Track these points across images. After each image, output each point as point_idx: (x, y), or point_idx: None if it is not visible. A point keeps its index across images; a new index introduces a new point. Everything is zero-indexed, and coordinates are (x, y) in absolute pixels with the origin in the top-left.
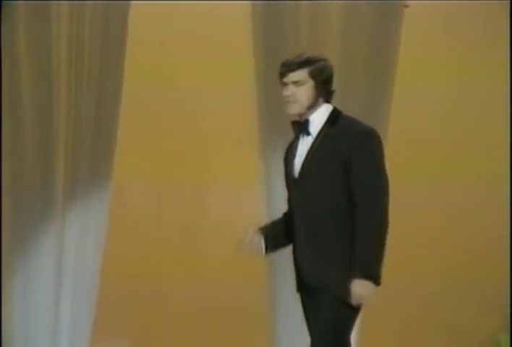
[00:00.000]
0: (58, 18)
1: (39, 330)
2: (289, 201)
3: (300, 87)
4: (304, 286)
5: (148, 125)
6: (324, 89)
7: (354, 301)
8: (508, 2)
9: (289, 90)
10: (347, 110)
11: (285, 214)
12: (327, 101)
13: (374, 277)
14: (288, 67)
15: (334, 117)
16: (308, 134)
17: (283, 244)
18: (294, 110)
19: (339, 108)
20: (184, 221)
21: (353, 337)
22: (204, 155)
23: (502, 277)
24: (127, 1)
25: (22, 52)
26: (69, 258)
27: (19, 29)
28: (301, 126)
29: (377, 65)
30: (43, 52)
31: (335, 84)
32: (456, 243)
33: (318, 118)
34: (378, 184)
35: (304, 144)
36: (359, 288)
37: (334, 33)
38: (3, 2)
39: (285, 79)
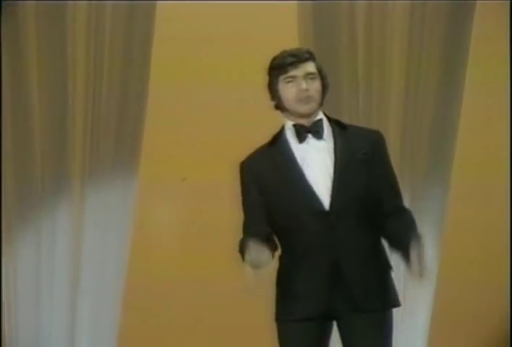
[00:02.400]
0: (74, 18)
1: (53, 333)
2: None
3: (313, 81)
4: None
5: (176, 127)
6: (326, 88)
7: (421, 263)
8: (508, 2)
9: (303, 84)
10: (415, 109)
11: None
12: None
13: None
14: (298, 57)
15: (336, 120)
16: (320, 138)
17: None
18: (310, 107)
19: (410, 108)
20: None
21: None
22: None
23: (502, 277)
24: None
25: (34, 54)
26: (89, 256)
27: (30, 30)
28: (308, 129)
29: (446, 65)
30: (57, 53)
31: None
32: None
33: (325, 121)
34: (399, 187)
35: (317, 153)
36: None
37: (397, 35)
38: (3, 2)
39: (293, 72)
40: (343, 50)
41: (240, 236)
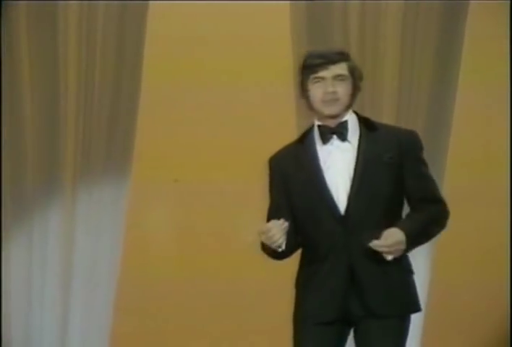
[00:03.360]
0: (65, 18)
1: (45, 334)
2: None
3: (342, 83)
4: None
5: (168, 128)
6: (358, 89)
7: (381, 242)
8: (508, 2)
9: (331, 86)
10: (409, 109)
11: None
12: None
13: (409, 238)
14: (327, 58)
15: (368, 121)
16: (344, 140)
17: (295, 249)
18: (336, 109)
19: (403, 107)
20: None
21: None
22: (229, 159)
23: (498, 277)
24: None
25: (26, 54)
26: (81, 258)
27: (21, 30)
28: (333, 131)
29: (439, 65)
30: (49, 54)
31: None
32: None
33: (352, 122)
34: (443, 200)
35: (340, 155)
36: (394, 232)
37: (391, 35)
38: (3, 2)
39: (322, 73)
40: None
41: (234, 236)
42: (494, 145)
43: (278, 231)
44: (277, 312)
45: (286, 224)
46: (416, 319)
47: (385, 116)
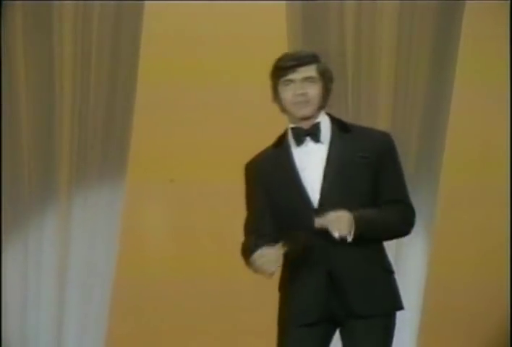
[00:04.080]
0: (60, 18)
1: (41, 337)
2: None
3: (311, 85)
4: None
5: (164, 128)
6: (330, 90)
7: (324, 219)
8: (508, 2)
9: (300, 88)
10: (405, 109)
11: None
12: (324, 107)
13: (358, 224)
14: (297, 61)
15: (340, 122)
16: (317, 141)
17: None
18: (307, 111)
19: (399, 107)
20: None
21: None
22: (225, 159)
23: (502, 277)
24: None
25: (21, 54)
26: (76, 260)
27: (17, 30)
28: (307, 132)
29: (435, 65)
30: (44, 54)
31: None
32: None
33: (325, 123)
34: (408, 202)
35: (313, 155)
36: (339, 212)
37: (386, 35)
38: (3, 2)
39: (292, 76)
40: (332, 50)
41: (231, 237)
42: (493, 145)
43: (274, 259)
44: (274, 313)
45: (282, 250)
46: (415, 320)
47: (381, 116)
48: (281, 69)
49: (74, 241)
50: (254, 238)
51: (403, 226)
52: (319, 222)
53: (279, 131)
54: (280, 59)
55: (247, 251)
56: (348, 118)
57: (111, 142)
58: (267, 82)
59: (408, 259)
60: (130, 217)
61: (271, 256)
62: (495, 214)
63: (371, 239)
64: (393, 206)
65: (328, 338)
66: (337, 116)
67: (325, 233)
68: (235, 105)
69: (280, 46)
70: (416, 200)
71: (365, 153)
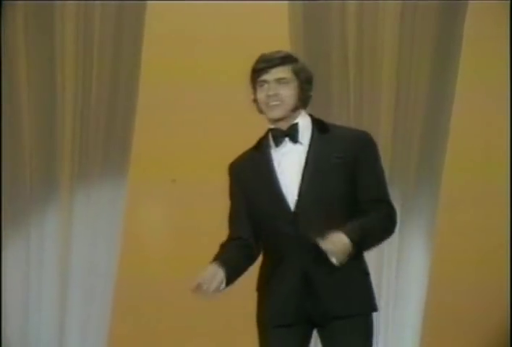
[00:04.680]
0: (62, 18)
1: (42, 336)
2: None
3: (284, 86)
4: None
5: (166, 128)
6: (306, 90)
7: (326, 245)
8: (508, 2)
9: (272, 89)
10: (407, 110)
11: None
12: (304, 106)
13: (354, 240)
14: (269, 62)
15: (320, 123)
16: (295, 142)
17: (242, 272)
18: (279, 112)
19: (401, 107)
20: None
21: None
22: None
23: (503, 277)
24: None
25: (23, 54)
26: (78, 259)
27: (19, 30)
28: (286, 133)
29: (437, 66)
30: (46, 54)
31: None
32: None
33: (304, 124)
34: (388, 199)
35: (291, 156)
36: (337, 238)
37: (388, 35)
38: (3, 2)
39: (265, 77)
40: (334, 50)
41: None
42: (494, 146)
43: (211, 284)
44: None
45: (221, 275)
46: (415, 320)
47: (383, 116)
48: (255, 71)
49: (76, 239)
50: (226, 241)
51: (390, 229)
52: (321, 243)
53: None
54: (256, 61)
55: (216, 254)
56: (349, 118)
57: (113, 141)
58: None
59: (411, 261)
60: (132, 217)
61: (208, 283)
62: (496, 215)
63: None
64: (376, 209)
65: (307, 339)
66: (338, 116)
67: (302, 235)
68: (236, 105)
69: (282, 46)
70: (418, 202)
71: (341, 153)
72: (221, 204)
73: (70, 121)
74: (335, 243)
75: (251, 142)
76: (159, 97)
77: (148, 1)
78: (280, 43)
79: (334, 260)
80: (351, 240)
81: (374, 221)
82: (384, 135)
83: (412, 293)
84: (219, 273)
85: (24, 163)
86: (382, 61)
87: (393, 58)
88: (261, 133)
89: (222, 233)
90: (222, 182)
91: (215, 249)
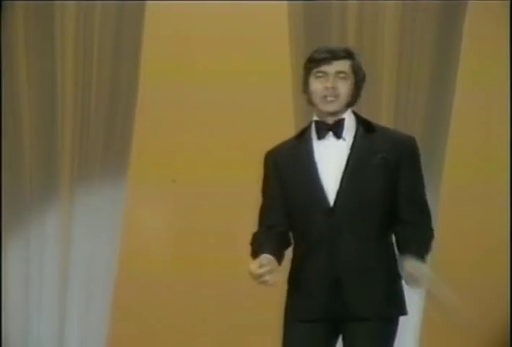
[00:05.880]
0: (62, 18)
1: (42, 337)
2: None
3: (343, 80)
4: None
5: (166, 128)
6: (360, 88)
7: (410, 278)
8: (508, 2)
9: (331, 81)
10: (407, 110)
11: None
12: (353, 104)
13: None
14: (332, 54)
15: (367, 122)
16: (339, 137)
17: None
18: (334, 107)
19: (401, 107)
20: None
21: None
22: (227, 159)
23: (502, 277)
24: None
25: (22, 55)
26: (78, 260)
27: (19, 30)
28: (330, 127)
29: (437, 65)
30: (46, 54)
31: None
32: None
33: (350, 121)
34: (427, 203)
35: (334, 151)
36: (414, 266)
37: (388, 35)
38: (3, 2)
39: (326, 68)
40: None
41: (231, 236)
42: (494, 145)
43: (268, 272)
44: (275, 313)
45: (275, 262)
46: (415, 320)
47: (383, 116)
48: (315, 61)
49: (76, 239)
50: (263, 230)
51: (433, 236)
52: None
53: (281, 131)
54: (315, 51)
55: (253, 246)
56: None
57: (113, 141)
58: (270, 82)
59: None
60: (132, 217)
61: (265, 271)
62: (496, 215)
63: (386, 241)
64: (415, 216)
65: (332, 337)
66: None
67: (336, 231)
68: (237, 105)
69: (282, 47)
70: None
71: (385, 154)
72: (221, 204)
73: (70, 121)
74: (415, 276)
75: (251, 141)
76: (159, 97)
77: (148, 1)
78: (280, 43)
79: (412, 288)
80: (423, 261)
81: (427, 234)
82: None
83: (412, 293)
84: (275, 263)
85: (24, 164)
86: (383, 61)
87: (393, 58)
88: (261, 133)
89: (222, 233)
90: (222, 182)
91: (215, 249)
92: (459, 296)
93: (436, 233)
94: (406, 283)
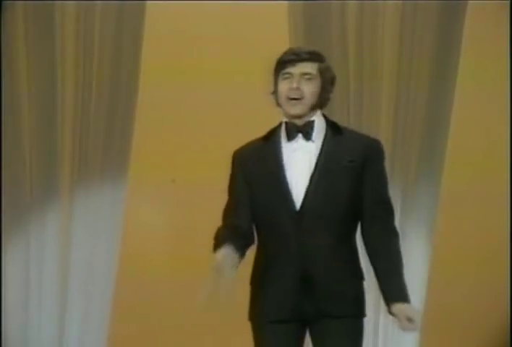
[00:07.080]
0: (62, 18)
1: (42, 336)
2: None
3: (308, 82)
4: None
5: (166, 128)
6: (327, 91)
7: (406, 326)
8: (508, 2)
9: (296, 82)
10: (407, 110)
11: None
12: (322, 106)
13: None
14: (297, 56)
15: (335, 124)
16: (308, 139)
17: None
18: (299, 110)
19: (401, 107)
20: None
21: None
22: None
23: (503, 277)
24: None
25: (22, 55)
26: (78, 260)
27: (19, 30)
28: (300, 129)
29: (437, 65)
30: (46, 54)
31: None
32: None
33: (320, 123)
34: (391, 202)
35: (302, 153)
36: (408, 311)
37: (390, 34)
38: (3, 2)
39: (290, 69)
40: (334, 50)
41: None
42: (494, 145)
43: (227, 269)
44: None
45: (237, 256)
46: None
47: (383, 116)
48: (281, 63)
49: (76, 240)
50: (227, 228)
51: (398, 235)
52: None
53: None
54: (283, 53)
55: (216, 240)
56: (349, 118)
57: (113, 141)
58: (270, 82)
59: (410, 261)
60: (131, 217)
61: (225, 266)
62: (497, 214)
63: (351, 242)
64: (389, 252)
65: (301, 337)
66: (339, 116)
67: (303, 233)
68: (237, 105)
69: (281, 46)
70: (418, 203)
71: (353, 157)
72: (221, 205)
73: (70, 121)
74: (408, 319)
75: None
76: (159, 97)
77: (148, 1)
78: (280, 43)
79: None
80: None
81: (398, 260)
82: (384, 135)
83: (412, 293)
84: (235, 257)
85: (25, 164)
86: (383, 60)
87: (393, 58)
88: (261, 133)
89: None
90: (222, 182)
91: None
92: (459, 296)
93: (436, 233)
94: (402, 327)
